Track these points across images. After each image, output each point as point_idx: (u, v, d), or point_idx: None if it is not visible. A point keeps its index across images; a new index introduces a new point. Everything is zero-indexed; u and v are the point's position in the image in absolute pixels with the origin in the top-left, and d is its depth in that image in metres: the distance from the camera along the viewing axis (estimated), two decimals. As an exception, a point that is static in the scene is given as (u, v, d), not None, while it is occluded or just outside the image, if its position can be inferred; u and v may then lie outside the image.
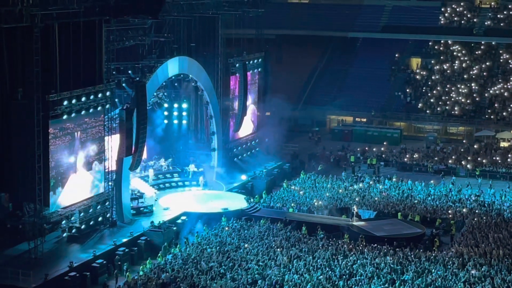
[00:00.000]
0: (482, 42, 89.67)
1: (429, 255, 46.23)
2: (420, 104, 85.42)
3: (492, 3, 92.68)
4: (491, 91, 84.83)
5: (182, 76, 59.86)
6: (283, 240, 48.37)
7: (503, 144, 77.13)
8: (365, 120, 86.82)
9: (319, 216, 54.72)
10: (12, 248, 45.36)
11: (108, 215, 50.33)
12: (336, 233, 51.21)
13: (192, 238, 49.29)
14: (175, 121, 63.74)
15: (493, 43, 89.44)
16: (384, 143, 77.26)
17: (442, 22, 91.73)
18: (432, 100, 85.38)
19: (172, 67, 56.89)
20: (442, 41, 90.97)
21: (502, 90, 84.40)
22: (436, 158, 71.18)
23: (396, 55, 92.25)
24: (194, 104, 63.91)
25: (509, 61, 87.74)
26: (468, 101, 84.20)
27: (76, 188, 47.35)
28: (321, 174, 65.16)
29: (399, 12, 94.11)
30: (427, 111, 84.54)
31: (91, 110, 47.72)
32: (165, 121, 63.07)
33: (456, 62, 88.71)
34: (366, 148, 75.01)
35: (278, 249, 46.34)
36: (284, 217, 53.54)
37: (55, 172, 45.26)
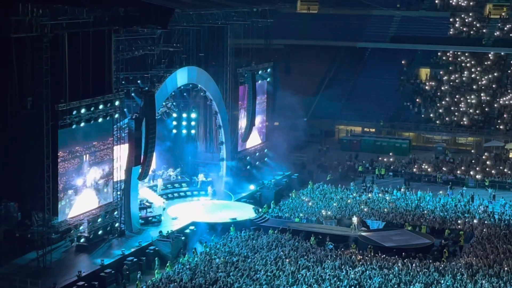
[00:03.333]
0: (491, 53, 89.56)
1: (438, 266, 46.09)
2: (429, 115, 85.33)
3: (501, 14, 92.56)
4: (500, 102, 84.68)
5: (191, 86, 59.94)
6: (292, 251, 48.30)
7: (513, 155, 77.04)
8: (373, 130, 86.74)
9: (323, 226, 54.63)
10: (21, 257, 45.46)
11: (116, 225, 50.38)
12: (345, 244, 51.13)
13: (200, 248, 49.28)
14: (184, 131, 63.82)
15: (502, 53, 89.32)
16: (391, 153, 77.24)
17: (451, 32, 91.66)
18: (441, 111, 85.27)
19: (181, 77, 56.99)
20: (451, 52, 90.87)
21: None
22: (445, 169, 71.02)
23: (403, 62, 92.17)
24: (202, 114, 64.00)
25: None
26: (477, 111, 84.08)
27: (85, 198, 47.45)
28: (329, 184, 65.08)
29: (408, 22, 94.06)
30: (436, 122, 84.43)
31: (100, 120, 47.84)
32: (174, 131, 63.15)
33: (465, 72, 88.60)
34: (380, 159, 74.83)
35: (287, 259, 46.27)
36: (287, 226, 53.52)
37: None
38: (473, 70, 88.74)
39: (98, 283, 43.20)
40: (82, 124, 46.22)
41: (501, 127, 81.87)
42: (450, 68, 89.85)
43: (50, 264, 44.50)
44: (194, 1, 60.37)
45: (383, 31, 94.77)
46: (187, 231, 51.80)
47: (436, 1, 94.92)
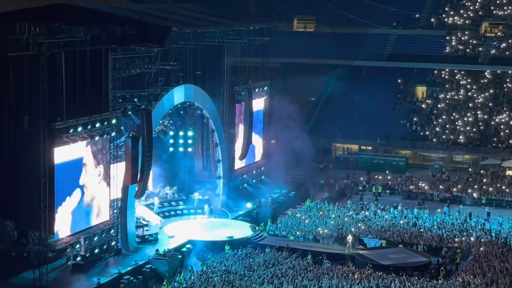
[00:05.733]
0: (487, 71, 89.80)
1: (435, 284, 45.98)
2: (426, 133, 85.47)
3: (497, 32, 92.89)
4: (496, 120, 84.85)
5: (188, 104, 60.04)
6: (288, 269, 48.18)
7: (509, 173, 76.94)
8: (370, 148, 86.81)
9: (320, 244, 54.53)
10: (17, 276, 45.26)
11: (113, 243, 50.24)
12: (342, 262, 51.04)
13: (197, 267, 49.15)
14: (181, 149, 63.80)
15: (498, 71, 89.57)
16: (387, 171, 77.38)
17: (447, 50, 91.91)
18: (437, 129, 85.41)
19: (178, 95, 57.08)
20: (447, 70, 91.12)
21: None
22: (441, 187, 71.03)
23: (399, 81, 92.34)
24: (199, 132, 64.04)
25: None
26: (473, 129, 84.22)
27: (81, 216, 47.35)
28: (326, 202, 65.04)
29: (404, 40, 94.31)
30: (433, 140, 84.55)
31: (96, 138, 47.85)
32: (171, 149, 63.15)
33: (461, 90, 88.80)
34: (376, 176, 74.89)
35: (283, 278, 46.14)
36: (286, 244, 53.42)
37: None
38: (469, 88, 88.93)
39: (95, 302, 43.14)
40: (79, 142, 46.22)
41: (499, 145, 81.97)
42: (447, 86, 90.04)
43: (47, 283, 44.27)
44: (191, 20, 60.56)
45: (379, 50, 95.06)
46: (184, 249, 51.69)
47: (432, 20, 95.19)
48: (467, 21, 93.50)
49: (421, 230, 57.49)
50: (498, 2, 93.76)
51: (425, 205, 66.16)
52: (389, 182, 73.19)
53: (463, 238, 55.41)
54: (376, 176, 75.11)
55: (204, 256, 51.15)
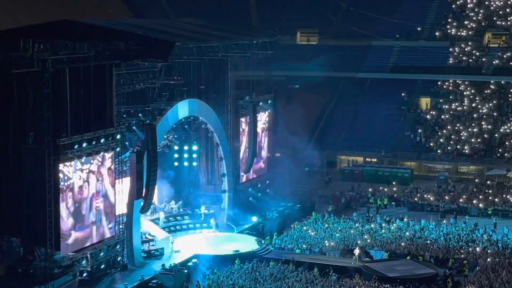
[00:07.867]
0: (491, 81, 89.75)
1: (443, 296, 45.86)
2: (430, 144, 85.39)
3: (501, 43, 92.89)
4: (501, 130, 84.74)
5: (192, 118, 60.11)
6: (295, 282, 48.06)
7: (515, 183, 76.88)
8: (375, 160, 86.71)
9: (326, 257, 54.39)
10: (23, 293, 45.28)
11: (119, 259, 50.21)
12: (348, 274, 50.88)
13: (203, 281, 49.04)
14: (186, 163, 63.82)
15: (502, 82, 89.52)
16: (394, 183, 77.27)
17: (450, 61, 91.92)
18: (442, 140, 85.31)
19: (182, 109, 57.16)
20: (451, 81, 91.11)
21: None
22: (447, 198, 70.86)
23: (402, 94, 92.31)
24: (204, 146, 64.07)
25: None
26: (478, 140, 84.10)
27: (87, 232, 47.32)
28: (332, 215, 64.91)
29: (407, 52, 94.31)
30: (438, 151, 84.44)
31: (101, 154, 47.88)
32: (176, 164, 63.16)
33: (466, 101, 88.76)
34: (381, 188, 74.77)
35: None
36: (292, 258, 53.32)
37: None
38: (473, 98, 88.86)
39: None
40: (84, 158, 46.27)
41: (505, 154, 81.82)
42: (451, 97, 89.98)
43: (53, 300, 44.33)
44: (194, 34, 60.71)
45: (383, 62, 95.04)
46: (190, 264, 51.62)
47: (437, 33, 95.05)
48: (470, 32, 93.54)
49: (428, 241, 57.32)
50: (501, 12, 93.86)
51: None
52: (395, 194, 73.02)
53: (470, 249, 55.22)
54: (381, 188, 74.99)
55: (209, 270, 50.99)
